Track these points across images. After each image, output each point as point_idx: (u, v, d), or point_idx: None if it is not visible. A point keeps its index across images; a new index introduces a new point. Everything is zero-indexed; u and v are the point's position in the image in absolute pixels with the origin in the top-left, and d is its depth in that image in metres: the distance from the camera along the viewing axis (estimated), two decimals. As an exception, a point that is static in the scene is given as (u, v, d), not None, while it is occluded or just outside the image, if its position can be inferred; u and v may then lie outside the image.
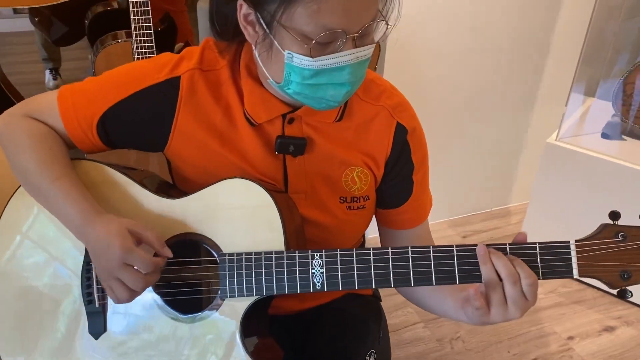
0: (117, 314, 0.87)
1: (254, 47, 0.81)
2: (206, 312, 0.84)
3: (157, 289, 0.86)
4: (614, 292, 0.73)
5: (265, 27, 0.76)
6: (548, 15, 2.04)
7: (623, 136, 1.95)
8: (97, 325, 0.88)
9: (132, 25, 1.47)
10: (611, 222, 0.73)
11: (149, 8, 1.45)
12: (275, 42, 0.76)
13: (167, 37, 1.67)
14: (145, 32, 1.48)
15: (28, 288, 0.90)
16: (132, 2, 1.43)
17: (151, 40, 1.50)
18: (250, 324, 0.84)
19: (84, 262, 0.88)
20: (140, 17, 1.46)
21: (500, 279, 0.73)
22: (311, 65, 0.75)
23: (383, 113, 0.91)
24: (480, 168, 2.31)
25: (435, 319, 1.92)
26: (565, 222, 1.97)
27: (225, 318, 0.83)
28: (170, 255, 0.82)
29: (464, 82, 2.04)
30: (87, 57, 2.60)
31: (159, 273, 0.82)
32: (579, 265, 0.72)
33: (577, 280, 2.09)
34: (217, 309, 0.84)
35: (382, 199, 0.96)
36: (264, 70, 0.81)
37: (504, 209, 2.50)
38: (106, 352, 0.87)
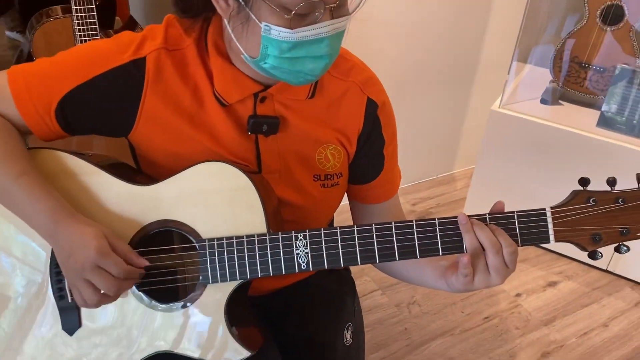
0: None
1: (226, 22, 0.77)
2: (188, 300, 0.82)
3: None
4: (585, 254, 0.78)
5: None
6: (488, -16, 2.08)
7: (560, 101, 2.04)
8: (71, 320, 0.84)
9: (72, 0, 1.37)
10: (581, 188, 0.76)
11: (90, -19, 1.36)
12: (252, 15, 0.73)
13: (107, 11, 1.57)
14: (86, 6, 1.39)
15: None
16: (70, -26, 1.34)
17: (93, 15, 1.41)
18: (234, 308, 0.83)
19: (52, 257, 0.83)
20: (79, -10, 1.37)
21: (483, 249, 0.75)
22: (290, 38, 0.73)
23: (353, 89, 0.91)
24: (425, 137, 2.36)
25: (391, 286, 1.98)
26: (510, 185, 2.07)
27: (209, 304, 0.81)
28: (147, 264, 0.79)
29: (407, 53, 2.06)
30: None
31: (133, 282, 0.79)
32: (555, 231, 0.76)
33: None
34: (199, 296, 0.82)
35: (355, 175, 0.96)
36: (238, 45, 0.78)
37: (449, 175, 2.58)
38: (82, 346, 0.84)
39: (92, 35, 1.45)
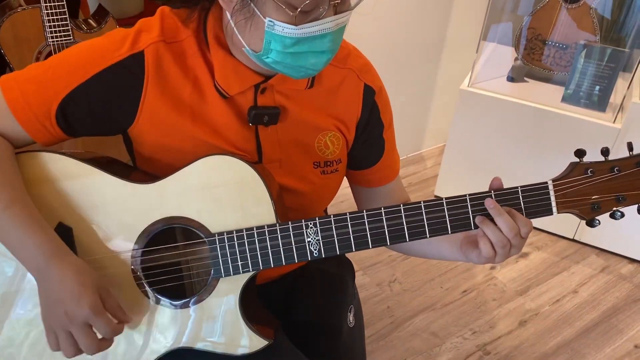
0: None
1: (229, 15, 0.76)
2: (201, 295, 0.82)
3: (146, 278, 0.82)
4: (584, 222, 0.81)
5: None
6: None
7: (526, 78, 2.10)
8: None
9: (39, -13, 1.31)
10: (578, 160, 0.80)
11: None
12: (256, 10, 0.72)
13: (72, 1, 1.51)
14: (54, -5, 1.34)
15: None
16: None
17: (63, 5, 1.36)
18: (247, 300, 0.83)
19: None
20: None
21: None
22: (294, 34, 0.72)
23: (351, 76, 0.91)
24: (395, 117, 2.39)
25: (372, 266, 2.01)
26: (481, 162, 2.12)
27: (223, 297, 0.81)
28: (130, 321, 0.78)
29: (374, 35, 2.07)
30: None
31: (112, 341, 0.77)
32: (557, 203, 0.79)
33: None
34: (212, 290, 0.81)
35: (357, 160, 0.97)
36: (240, 39, 0.77)
37: (418, 154, 2.63)
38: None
39: (63, 25, 1.39)
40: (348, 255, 1.14)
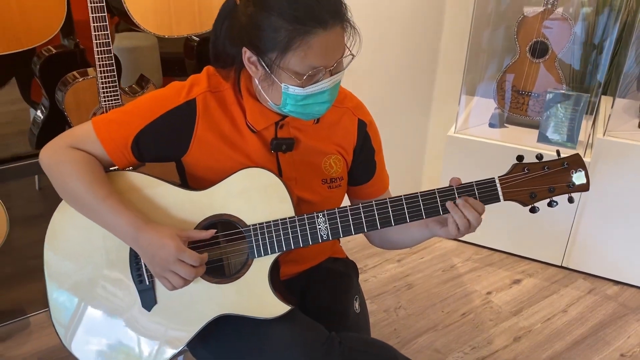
0: (164, 288, 1.07)
1: (256, 81, 1.06)
2: (240, 272, 1.08)
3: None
4: (527, 209, 1.07)
5: (266, 68, 1.02)
6: (434, 35, 2.47)
7: (505, 124, 2.41)
8: (149, 299, 1.08)
9: (97, 63, 1.65)
10: (517, 162, 1.07)
11: (111, 47, 1.65)
12: (275, 79, 1.02)
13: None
14: (108, 68, 1.68)
15: (82, 280, 1.09)
16: (96, 42, 1.63)
17: (114, 75, 1.69)
18: (273, 277, 1.09)
19: (131, 253, 1.08)
20: (103, 55, 1.65)
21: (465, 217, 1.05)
22: (302, 93, 1.02)
23: (347, 113, 1.21)
24: (391, 166, 2.68)
25: (378, 295, 2.23)
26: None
27: (256, 274, 1.07)
28: (209, 235, 1.05)
29: (369, 93, 2.40)
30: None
31: (204, 267, 1.05)
32: (503, 193, 1.05)
33: (486, 247, 2.50)
34: (248, 269, 1.07)
35: (355, 178, 1.25)
36: (265, 95, 1.07)
37: (418, 199, 2.89)
38: (158, 318, 1.07)
39: (113, 91, 1.73)
40: (362, 284, 1.40)
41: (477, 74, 2.46)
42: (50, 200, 2.81)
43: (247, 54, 1.02)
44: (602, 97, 2.34)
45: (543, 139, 2.26)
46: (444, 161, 2.39)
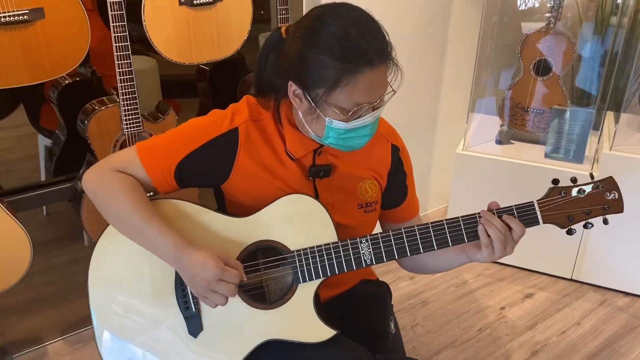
0: (210, 314, 1.08)
1: (301, 114, 1.09)
2: (285, 298, 1.09)
3: (243, 286, 1.10)
4: (564, 231, 1.10)
5: (312, 102, 1.04)
6: (439, 55, 2.53)
7: (512, 140, 2.45)
8: (195, 325, 1.09)
9: (120, 91, 1.67)
10: (553, 185, 1.10)
11: (133, 75, 1.67)
12: (320, 113, 1.05)
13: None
14: (131, 95, 1.69)
15: (130, 306, 1.10)
16: (119, 71, 1.64)
17: (136, 103, 1.71)
18: (318, 302, 1.10)
19: (176, 278, 1.09)
20: (126, 83, 1.67)
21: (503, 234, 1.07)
22: (345, 127, 1.05)
23: (381, 139, 1.24)
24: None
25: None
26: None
27: (301, 299, 1.08)
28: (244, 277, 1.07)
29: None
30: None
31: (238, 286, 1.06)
32: (542, 217, 1.08)
33: (496, 262, 2.53)
34: (293, 294, 1.09)
35: (387, 202, 1.27)
36: (308, 128, 1.09)
37: (424, 215, 2.92)
38: (205, 345, 1.08)
39: (135, 119, 1.74)
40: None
41: (481, 92, 2.51)
42: (59, 226, 2.80)
43: (292, 87, 1.05)
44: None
45: (550, 154, 2.30)
46: (454, 179, 2.43)
